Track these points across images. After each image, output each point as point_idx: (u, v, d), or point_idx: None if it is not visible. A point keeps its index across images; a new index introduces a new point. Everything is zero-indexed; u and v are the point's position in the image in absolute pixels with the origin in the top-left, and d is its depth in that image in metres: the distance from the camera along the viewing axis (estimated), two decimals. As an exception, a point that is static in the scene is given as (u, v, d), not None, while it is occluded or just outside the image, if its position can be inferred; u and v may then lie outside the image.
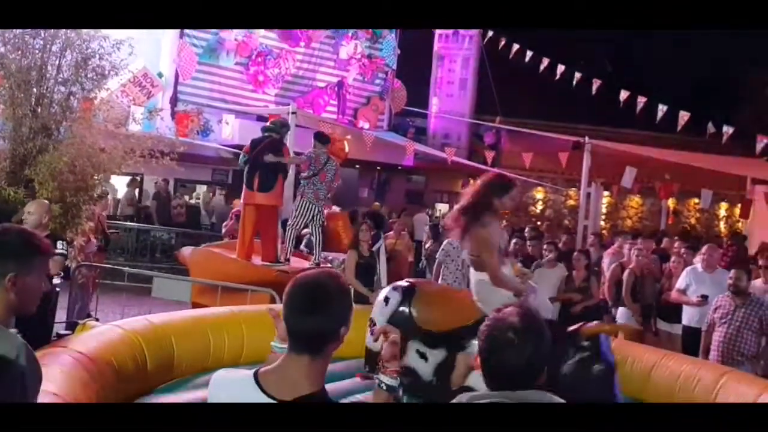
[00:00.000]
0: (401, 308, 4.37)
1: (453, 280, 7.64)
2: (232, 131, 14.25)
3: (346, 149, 14.40)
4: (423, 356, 4.18)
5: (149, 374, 4.31)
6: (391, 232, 10.11)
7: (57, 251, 4.91)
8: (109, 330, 4.37)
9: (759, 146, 11.00)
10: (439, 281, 7.75)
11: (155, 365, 4.37)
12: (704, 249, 7.28)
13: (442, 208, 17.79)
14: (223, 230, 9.99)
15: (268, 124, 8.09)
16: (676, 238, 11.38)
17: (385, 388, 2.00)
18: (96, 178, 6.06)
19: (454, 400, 1.87)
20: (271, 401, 1.74)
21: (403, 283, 4.66)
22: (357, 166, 17.44)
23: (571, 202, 18.58)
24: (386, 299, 4.51)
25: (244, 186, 7.77)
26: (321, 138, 8.30)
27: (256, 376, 1.81)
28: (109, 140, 6.36)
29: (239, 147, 10.42)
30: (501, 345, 1.82)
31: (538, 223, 17.41)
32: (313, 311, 1.78)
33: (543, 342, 1.85)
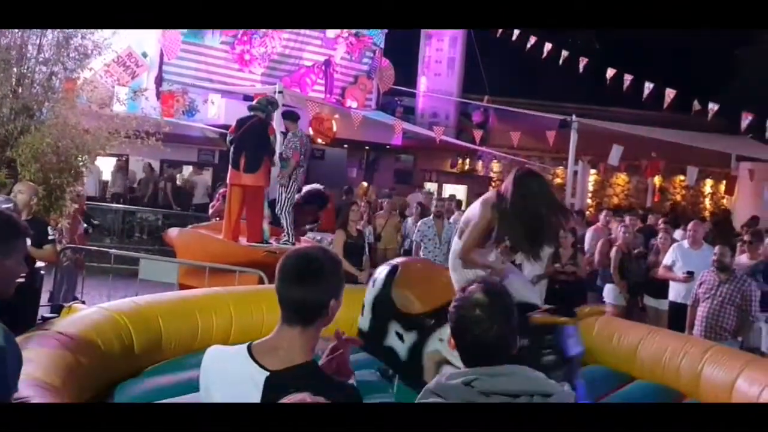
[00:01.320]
0: (383, 289, 4.35)
1: (432, 259, 7.66)
2: (218, 111, 14.14)
3: (334, 128, 14.36)
4: (400, 337, 4.19)
5: (136, 356, 4.30)
6: (382, 212, 10.10)
7: (48, 238, 4.88)
8: (95, 312, 4.35)
9: (744, 123, 11.06)
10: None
11: (142, 347, 4.35)
12: (690, 225, 7.34)
13: (430, 187, 17.77)
14: (210, 211, 9.93)
15: (253, 103, 7.99)
16: (661, 215, 11.48)
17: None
18: (80, 159, 5.99)
19: (433, 380, 1.88)
20: (263, 371, 1.79)
21: (390, 263, 4.65)
22: (345, 145, 17.37)
23: (558, 180, 18.63)
24: (374, 280, 4.51)
25: (230, 166, 7.71)
26: (292, 116, 8.26)
27: (249, 348, 1.86)
28: (93, 121, 6.28)
29: (225, 127, 10.36)
30: (470, 323, 1.84)
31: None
32: (305, 282, 1.84)
33: (510, 315, 1.88)
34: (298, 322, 1.84)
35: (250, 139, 7.54)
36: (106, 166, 14.32)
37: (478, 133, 15.61)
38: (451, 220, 8.60)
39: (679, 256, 6.98)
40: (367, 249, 7.29)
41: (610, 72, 12.52)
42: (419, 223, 8.24)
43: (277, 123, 8.65)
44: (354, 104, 16.72)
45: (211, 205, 10.19)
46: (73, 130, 5.78)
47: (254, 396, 1.76)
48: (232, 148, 7.65)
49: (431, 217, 8.26)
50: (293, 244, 7.66)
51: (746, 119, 11.09)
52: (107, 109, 6.51)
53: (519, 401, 1.75)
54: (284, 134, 8.29)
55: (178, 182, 15.26)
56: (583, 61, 13.06)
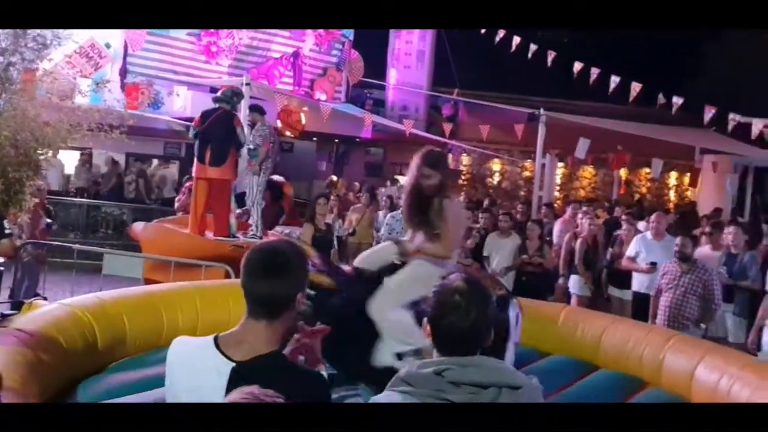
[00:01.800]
0: None
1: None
2: (184, 103, 13.93)
3: (303, 121, 14.27)
4: None
5: (100, 353, 4.23)
6: (359, 205, 10.08)
7: (5, 232, 4.76)
8: (56, 308, 4.26)
9: (707, 116, 11.26)
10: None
11: (106, 343, 4.28)
12: (653, 217, 7.47)
13: (401, 180, 17.78)
14: (176, 204, 9.81)
15: (218, 94, 7.88)
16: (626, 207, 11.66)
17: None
18: (40, 152, 5.85)
19: (403, 369, 1.89)
20: (229, 362, 1.80)
21: None
22: (314, 138, 17.29)
23: (527, 173, 18.79)
24: None
25: (195, 160, 7.61)
26: (259, 110, 8.20)
27: (215, 339, 1.87)
28: (54, 113, 6.13)
29: (191, 119, 10.21)
30: (448, 309, 1.86)
31: (495, 194, 17.59)
32: (271, 276, 1.84)
33: (487, 305, 1.91)
34: (264, 315, 1.85)
35: (216, 131, 7.45)
36: (70, 159, 14.06)
37: (447, 127, 15.67)
38: None
39: (643, 247, 7.11)
40: (335, 243, 7.27)
41: (577, 66, 12.65)
42: (387, 217, 8.19)
43: (244, 115, 8.57)
44: (323, 97, 16.62)
45: (177, 199, 10.06)
46: (32, 122, 5.63)
47: (219, 387, 1.76)
48: (197, 141, 7.55)
49: (400, 210, 8.22)
50: (261, 237, 7.61)
51: (709, 112, 11.30)
52: (68, 101, 6.36)
53: (487, 393, 1.76)
54: (251, 127, 8.22)
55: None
56: (551, 55, 13.17)
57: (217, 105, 7.64)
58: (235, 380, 1.73)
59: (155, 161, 16.22)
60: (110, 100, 8.06)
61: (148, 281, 6.38)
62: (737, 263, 6.72)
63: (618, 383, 4.74)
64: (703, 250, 7.23)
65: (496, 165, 19.63)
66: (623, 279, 7.46)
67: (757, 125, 10.66)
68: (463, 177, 19.44)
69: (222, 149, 7.44)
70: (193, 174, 7.79)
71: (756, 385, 3.89)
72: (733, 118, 10.90)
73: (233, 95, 7.81)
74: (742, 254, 6.84)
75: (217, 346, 1.85)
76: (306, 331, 2.07)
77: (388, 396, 1.85)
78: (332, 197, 10.37)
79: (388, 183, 16.11)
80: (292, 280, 1.87)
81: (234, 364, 1.79)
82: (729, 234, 6.93)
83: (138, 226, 8.34)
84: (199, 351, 1.87)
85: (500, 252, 7.86)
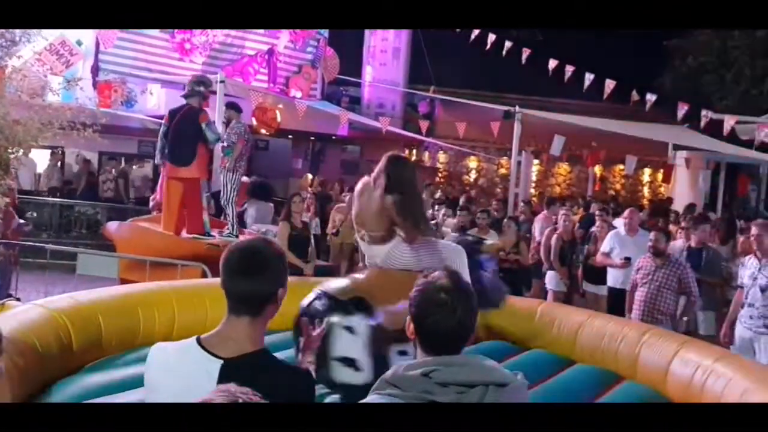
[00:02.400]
0: None
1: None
2: (157, 101, 13.76)
3: (278, 119, 14.18)
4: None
5: (75, 354, 4.17)
6: (342, 205, 10.03)
7: None
8: (30, 309, 4.19)
9: (680, 113, 11.43)
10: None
11: (81, 344, 4.22)
12: (626, 213, 7.58)
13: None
14: (151, 203, 9.70)
15: (185, 91, 7.75)
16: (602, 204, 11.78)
17: None
18: (11, 151, 5.76)
19: (390, 371, 1.87)
20: (217, 360, 1.80)
21: None
22: (290, 136, 17.19)
23: (503, 170, 18.90)
24: None
25: (165, 159, 7.52)
26: (236, 107, 8.13)
27: (198, 340, 1.87)
28: (24, 111, 6.04)
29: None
30: (433, 306, 1.84)
31: (472, 192, 17.66)
32: (251, 275, 1.86)
33: (472, 303, 1.89)
34: (246, 312, 1.86)
35: (182, 130, 7.36)
36: (41, 158, 13.83)
37: (424, 124, 15.66)
38: None
39: (617, 243, 7.20)
40: (312, 241, 7.25)
41: (552, 63, 12.75)
42: None
43: (219, 111, 8.49)
44: (298, 94, 16.55)
45: (152, 197, 9.96)
46: (1, 120, 5.54)
47: (208, 387, 1.73)
48: (166, 141, 7.46)
49: None
50: (236, 236, 7.55)
51: (682, 109, 11.48)
52: (39, 98, 6.27)
53: (474, 392, 1.75)
54: (226, 124, 8.16)
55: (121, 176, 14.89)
56: (526, 52, 13.25)
57: (185, 102, 7.55)
58: (225, 377, 1.72)
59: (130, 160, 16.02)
60: (82, 98, 7.96)
61: (123, 281, 6.32)
62: (703, 258, 6.88)
63: (594, 377, 4.79)
64: (677, 244, 7.33)
65: (472, 162, 19.71)
66: (598, 275, 7.54)
67: (728, 122, 10.85)
68: (439, 174, 19.49)
69: (189, 147, 7.35)
70: (164, 173, 7.69)
71: (729, 377, 3.96)
72: (705, 114, 11.08)
73: (199, 83, 7.64)
74: (706, 250, 7.00)
75: (201, 346, 1.84)
76: (311, 334, 2.17)
77: (373, 400, 1.83)
78: (308, 195, 10.35)
79: None
80: (272, 276, 1.88)
81: (222, 361, 1.79)
82: (702, 231, 7.09)
83: (112, 226, 8.24)
84: (181, 354, 1.86)
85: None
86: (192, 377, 1.78)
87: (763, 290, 5.42)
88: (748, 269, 5.61)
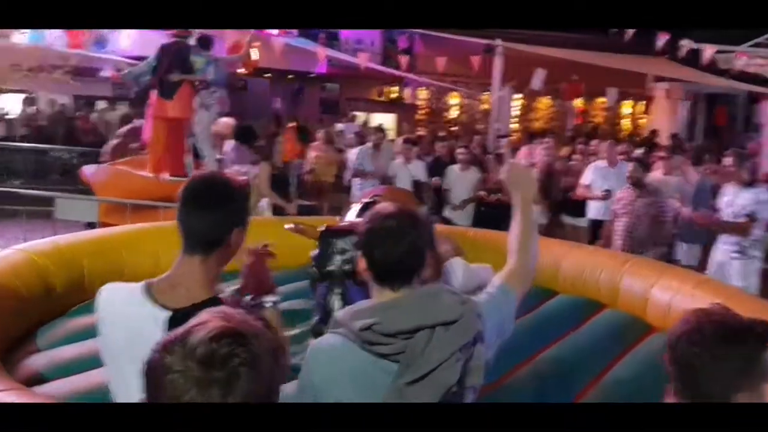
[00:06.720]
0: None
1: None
2: (131, 42, 13.36)
3: (255, 57, 13.87)
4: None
5: (59, 296, 4.16)
6: (316, 143, 9.93)
7: None
8: (11, 254, 4.15)
9: (659, 44, 11.33)
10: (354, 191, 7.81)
11: (65, 287, 4.21)
12: (605, 146, 7.62)
13: (360, 117, 17.54)
14: (104, 147, 9.36)
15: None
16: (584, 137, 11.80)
17: (270, 305, 1.96)
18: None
19: (342, 312, 1.86)
20: (163, 311, 1.68)
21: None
22: (267, 75, 16.88)
23: (484, 106, 18.76)
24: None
25: (156, 96, 7.36)
26: (205, 42, 7.93)
27: (147, 286, 1.75)
28: (-9, 53, 5.85)
29: (140, 58, 9.84)
30: (382, 235, 1.80)
31: (454, 128, 17.57)
32: (205, 206, 1.76)
33: (422, 227, 1.86)
34: (197, 250, 1.76)
35: (172, 64, 7.23)
36: (12, 104, 13.50)
37: (404, 59, 15.41)
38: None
39: (597, 175, 7.25)
40: (293, 180, 7.22)
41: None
42: (356, 151, 8.39)
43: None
44: (274, 31, 16.15)
45: (112, 142, 9.61)
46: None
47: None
48: (155, 78, 7.31)
49: (369, 144, 8.40)
50: None
51: (661, 40, 11.37)
52: (4, 39, 6.06)
53: (420, 336, 1.71)
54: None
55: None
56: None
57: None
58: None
59: (102, 104, 15.65)
60: (51, 39, 7.72)
61: (104, 225, 6.25)
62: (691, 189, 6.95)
63: (576, 306, 4.88)
64: (655, 175, 7.39)
65: (453, 99, 19.52)
66: (577, 207, 7.62)
67: (707, 51, 10.79)
68: (420, 111, 19.32)
69: (175, 82, 7.21)
70: (152, 112, 7.55)
71: (708, 302, 4.04)
72: (684, 44, 10.99)
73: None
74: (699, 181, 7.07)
75: (150, 293, 1.73)
76: (256, 252, 2.00)
77: (329, 338, 1.83)
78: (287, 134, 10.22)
79: (344, 120, 15.91)
80: (226, 212, 1.77)
81: (170, 313, 1.67)
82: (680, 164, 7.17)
83: (89, 169, 8.11)
84: (130, 299, 1.74)
85: (460, 185, 7.93)
86: (139, 326, 1.66)
87: (736, 217, 5.52)
88: (725, 196, 5.69)
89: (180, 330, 1.15)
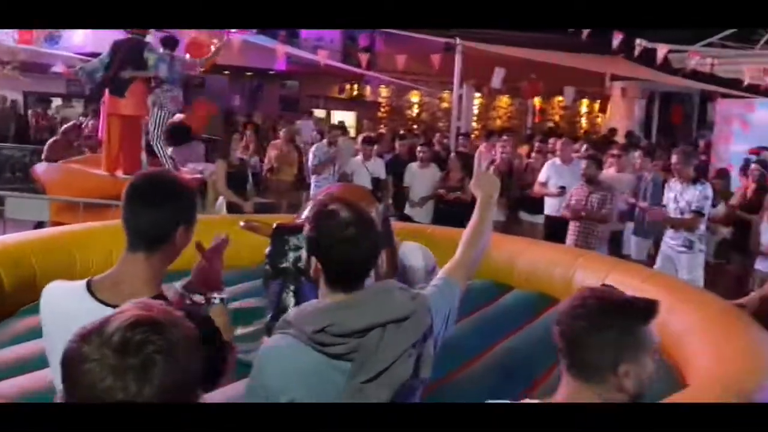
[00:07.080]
0: None
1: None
2: (83, 38, 13.10)
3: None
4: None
5: (8, 296, 4.06)
6: (276, 141, 9.86)
7: None
8: (-44, 254, 4.05)
9: (615, 42, 11.54)
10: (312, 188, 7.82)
11: (14, 287, 4.11)
12: (559, 144, 7.77)
13: (320, 114, 17.49)
14: (45, 146, 9.09)
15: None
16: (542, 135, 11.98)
17: (218, 302, 1.95)
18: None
19: (292, 313, 1.85)
20: (106, 308, 1.63)
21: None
22: (226, 72, 16.71)
23: (445, 104, 18.88)
24: None
25: (107, 93, 7.22)
26: (170, 42, 7.82)
27: (89, 284, 1.73)
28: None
29: (93, 55, 9.65)
30: (339, 242, 1.79)
31: (414, 126, 17.63)
32: (149, 203, 1.74)
33: (375, 234, 1.86)
34: (141, 247, 1.74)
35: (126, 60, 7.09)
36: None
37: (364, 57, 15.40)
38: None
39: (553, 172, 7.38)
40: (251, 178, 7.17)
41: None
42: (313, 148, 8.41)
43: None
44: (232, 28, 15.99)
45: (50, 140, 9.36)
46: None
47: None
48: (108, 74, 7.15)
49: (324, 141, 8.42)
50: None
51: (617, 38, 11.58)
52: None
53: (371, 336, 1.72)
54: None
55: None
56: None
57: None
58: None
59: (57, 101, 15.31)
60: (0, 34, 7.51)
61: (56, 224, 6.13)
62: (644, 185, 7.14)
63: (531, 301, 4.96)
64: (609, 172, 7.56)
65: (414, 96, 19.60)
66: (534, 204, 7.74)
67: (661, 50, 11.04)
68: (381, 109, 19.35)
69: (126, 79, 7.07)
70: (106, 110, 7.38)
71: (653, 296, 4.15)
72: (639, 43, 11.22)
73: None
74: (647, 177, 7.26)
75: (91, 291, 1.70)
76: (203, 249, 1.98)
77: (279, 339, 1.82)
78: (248, 132, 10.14)
79: (305, 117, 15.86)
80: (172, 210, 1.75)
81: (112, 309, 1.64)
82: (636, 159, 7.34)
83: (40, 167, 7.92)
84: (72, 297, 1.72)
85: (419, 182, 7.98)
86: (80, 323, 1.60)
87: (682, 212, 5.68)
88: (672, 192, 5.85)
89: (97, 321, 1.15)
